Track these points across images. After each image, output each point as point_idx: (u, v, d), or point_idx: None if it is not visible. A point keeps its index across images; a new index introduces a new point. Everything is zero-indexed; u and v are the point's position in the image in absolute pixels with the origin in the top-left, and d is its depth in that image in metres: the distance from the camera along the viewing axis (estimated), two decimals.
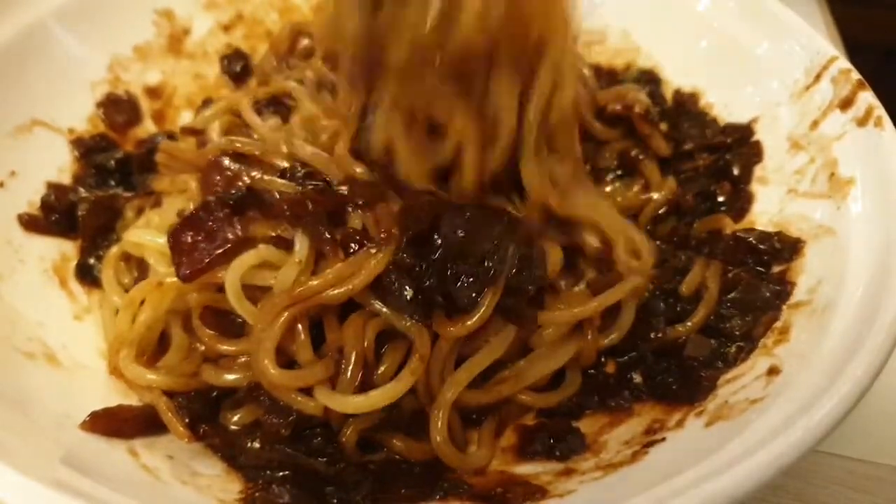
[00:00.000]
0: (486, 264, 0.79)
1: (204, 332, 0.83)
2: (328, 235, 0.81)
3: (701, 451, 0.69)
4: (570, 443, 0.82)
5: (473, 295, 0.79)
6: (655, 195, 1.02)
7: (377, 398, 0.78)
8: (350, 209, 0.84)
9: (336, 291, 0.78)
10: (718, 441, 0.70)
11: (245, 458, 0.78)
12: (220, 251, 0.81)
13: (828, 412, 0.65)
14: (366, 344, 0.79)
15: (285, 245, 0.82)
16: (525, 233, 0.83)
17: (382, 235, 0.79)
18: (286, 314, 0.78)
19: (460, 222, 0.79)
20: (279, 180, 0.86)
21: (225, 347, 0.83)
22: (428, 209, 0.80)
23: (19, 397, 0.77)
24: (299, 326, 0.80)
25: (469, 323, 0.79)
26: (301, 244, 0.81)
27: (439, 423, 0.79)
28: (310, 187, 0.85)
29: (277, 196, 0.83)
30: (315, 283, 0.79)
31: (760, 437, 0.66)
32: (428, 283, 0.78)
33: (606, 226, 0.92)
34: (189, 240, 0.82)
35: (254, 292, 0.82)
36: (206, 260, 0.81)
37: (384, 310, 0.79)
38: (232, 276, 0.80)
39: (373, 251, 0.79)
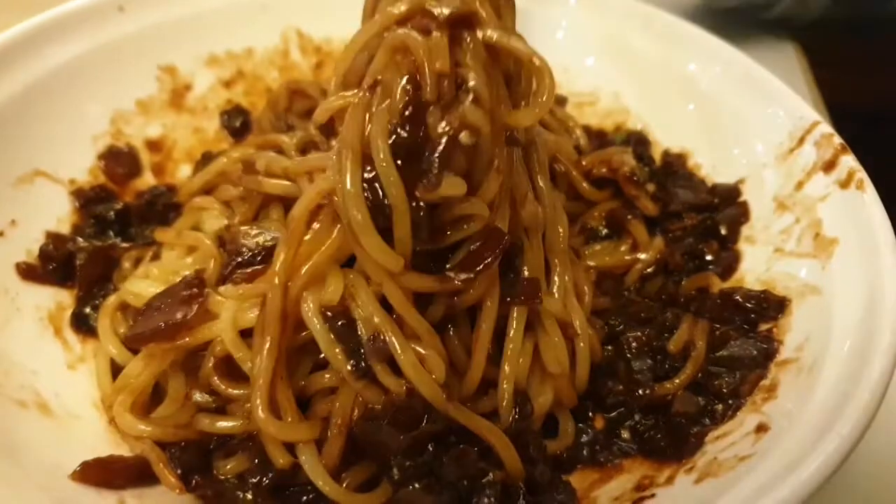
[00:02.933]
0: None
1: (216, 382, 0.83)
2: None
3: None
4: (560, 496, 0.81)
5: None
6: (643, 255, 1.04)
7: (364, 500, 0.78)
8: None
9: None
10: (707, 498, 0.71)
11: None
12: (160, 327, 0.83)
13: (815, 470, 0.66)
14: (354, 415, 0.80)
15: None
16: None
17: None
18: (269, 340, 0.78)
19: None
20: None
21: (235, 392, 0.82)
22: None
23: (10, 446, 0.77)
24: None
25: None
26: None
27: None
28: None
29: None
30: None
31: (749, 495, 0.67)
32: None
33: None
34: (154, 308, 0.85)
35: None
36: (143, 332, 0.83)
37: None
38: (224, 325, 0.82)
39: None
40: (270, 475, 0.78)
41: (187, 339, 0.83)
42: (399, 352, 0.77)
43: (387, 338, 0.78)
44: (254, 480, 0.78)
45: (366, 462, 0.79)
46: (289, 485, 0.79)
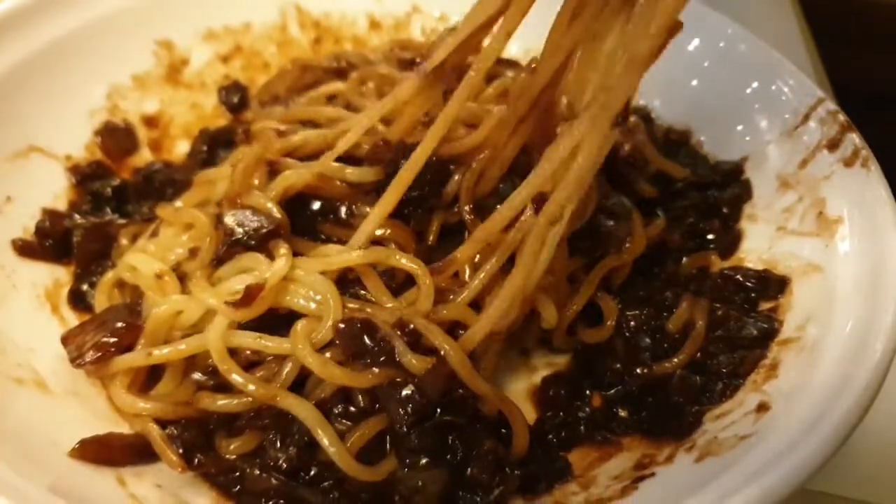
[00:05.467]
0: None
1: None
2: None
3: (690, 487, 0.70)
4: (554, 469, 0.82)
5: None
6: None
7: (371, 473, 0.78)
8: None
9: None
10: (708, 477, 0.70)
11: (244, 484, 0.78)
12: (92, 354, 0.84)
13: (816, 449, 0.66)
14: None
15: None
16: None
17: None
18: None
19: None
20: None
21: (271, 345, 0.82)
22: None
23: (8, 423, 0.77)
24: None
25: None
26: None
27: None
28: None
29: None
30: None
31: (749, 474, 0.67)
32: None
33: None
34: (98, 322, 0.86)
35: None
36: (87, 355, 0.84)
37: None
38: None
39: None
40: (290, 454, 0.78)
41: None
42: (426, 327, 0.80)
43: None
44: (272, 462, 0.78)
45: (370, 421, 0.80)
46: (308, 465, 0.79)
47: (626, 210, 0.97)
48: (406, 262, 0.85)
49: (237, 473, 0.79)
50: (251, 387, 0.80)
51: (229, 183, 0.92)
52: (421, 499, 0.76)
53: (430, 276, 0.84)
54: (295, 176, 0.90)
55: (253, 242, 0.86)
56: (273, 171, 0.92)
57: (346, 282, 0.86)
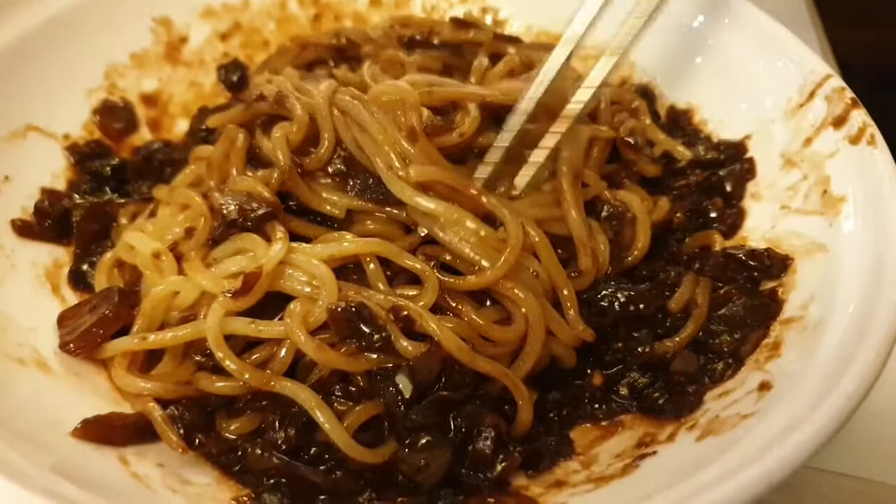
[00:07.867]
0: None
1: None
2: None
3: (692, 466, 0.70)
4: (557, 446, 0.83)
5: None
6: None
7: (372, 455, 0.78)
8: None
9: None
10: (709, 455, 0.70)
11: (246, 463, 0.78)
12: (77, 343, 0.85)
13: (819, 428, 0.66)
14: None
15: None
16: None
17: None
18: None
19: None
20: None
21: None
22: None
23: (9, 403, 0.77)
24: None
25: None
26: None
27: None
28: None
29: None
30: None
31: (751, 453, 0.67)
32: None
33: None
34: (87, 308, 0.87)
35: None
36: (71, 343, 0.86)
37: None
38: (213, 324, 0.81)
39: None
40: (290, 435, 0.78)
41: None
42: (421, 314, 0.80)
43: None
44: (271, 442, 0.78)
45: (367, 403, 0.79)
46: (308, 446, 0.79)
47: (632, 213, 0.97)
48: (413, 262, 0.85)
49: (238, 453, 0.79)
50: (246, 375, 0.80)
51: (206, 177, 0.92)
52: (424, 477, 0.76)
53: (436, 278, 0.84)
54: (271, 175, 0.90)
55: (249, 224, 0.86)
56: (254, 157, 0.93)
57: (343, 267, 0.86)
